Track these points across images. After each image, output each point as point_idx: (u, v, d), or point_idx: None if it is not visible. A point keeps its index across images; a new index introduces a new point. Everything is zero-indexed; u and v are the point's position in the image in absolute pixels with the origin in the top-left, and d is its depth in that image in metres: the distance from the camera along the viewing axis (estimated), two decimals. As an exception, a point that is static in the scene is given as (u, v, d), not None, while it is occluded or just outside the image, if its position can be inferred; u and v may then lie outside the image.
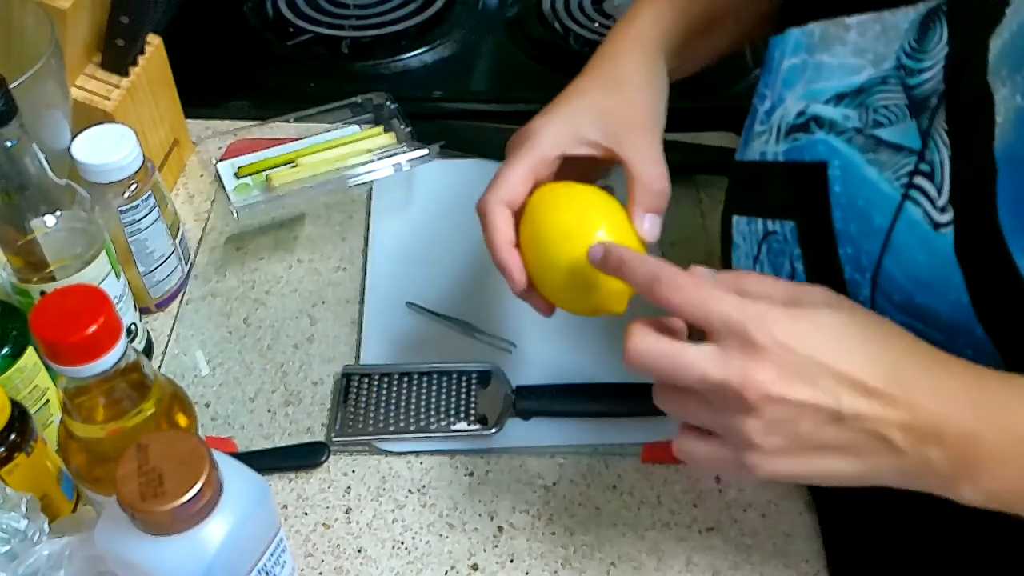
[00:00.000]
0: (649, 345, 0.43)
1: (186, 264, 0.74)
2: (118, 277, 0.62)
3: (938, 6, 0.45)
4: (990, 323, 0.43)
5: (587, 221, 0.51)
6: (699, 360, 0.41)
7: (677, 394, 0.44)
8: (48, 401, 0.58)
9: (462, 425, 0.62)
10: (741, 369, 0.40)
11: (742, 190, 0.59)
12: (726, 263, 0.61)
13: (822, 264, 0.50)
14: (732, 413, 0.41)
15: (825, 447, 0.42)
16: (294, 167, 0.78)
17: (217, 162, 0.80)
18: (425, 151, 0.77)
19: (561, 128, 0.55)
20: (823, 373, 0.41)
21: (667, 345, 0.42)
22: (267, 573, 0.47)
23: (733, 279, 0.44)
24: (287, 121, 0.84)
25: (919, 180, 0.45)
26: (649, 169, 0.53)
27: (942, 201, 0.44)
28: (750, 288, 0.44)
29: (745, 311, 0.41)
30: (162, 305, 0.72)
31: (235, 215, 0.74)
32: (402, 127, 0.80)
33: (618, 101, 0.56)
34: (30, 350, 0.55)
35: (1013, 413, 0.41)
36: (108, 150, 0.63)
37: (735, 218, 0.58)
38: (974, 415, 0.41)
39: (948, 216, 0.43)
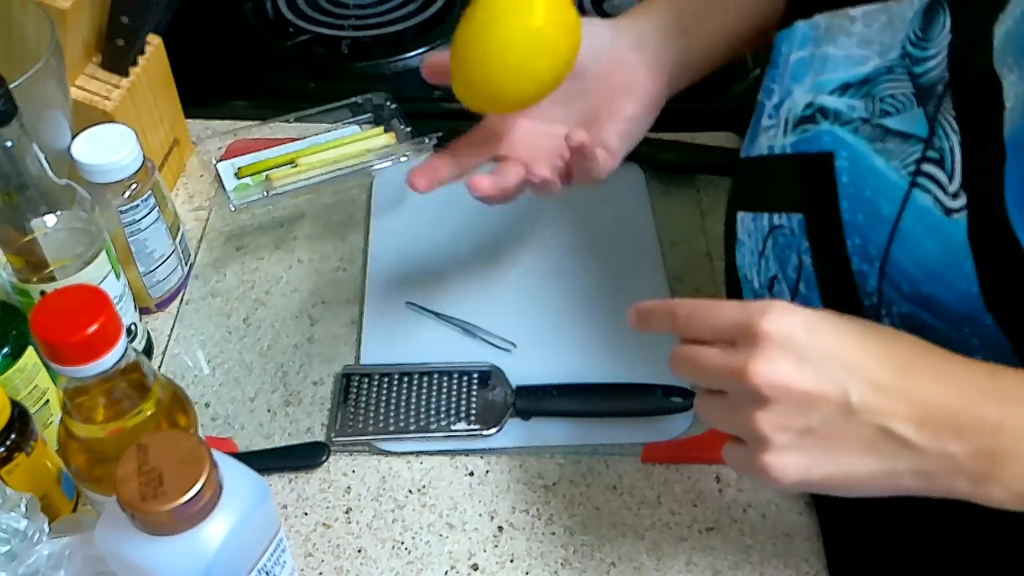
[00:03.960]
0: (681, 349, 0.45)
1: (186, 264, 0.74)
2: (118, 277, 0.62)
3: None
4: (999, 310, 0.43)
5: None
6: (713, 356, 0.43)
7: (710, 399, 0.45)
8: (48, 401, 0.58)
9: (462, 425, 0.62)
10: (746, 357, 0.41)
11: (748, 186, 0.59)
12: (730, 261, 0.61)
13: (829, 256, 0.50)
14: (744, 406, 0.42)
15: (838, 444, 0.41)
16: (294, 167, 0.78)
17: (217, 162, 0.80)
18: (424, 140, 0.78)
19: None
20: (830, 361, 0.41)
21: (695, 348, 0.45)
22: (267, 573, 0.47)
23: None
24: (287, 121, 0.84)
25: (928, 167, 0.44)
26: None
27: (954, 187, 0.43)
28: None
29: (749, 307, 0.42)
30: (162, 305, 0.72)
31: (233, 208, 0.74)
32: (402, 127, 0.80)
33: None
34: (30, 350, 0.55)
35: None
36: (108, 150, 0.63)
37: (740, 215, 0.58)
38: (993, 406, 0.40)
39: (961, 202, 0.43)
